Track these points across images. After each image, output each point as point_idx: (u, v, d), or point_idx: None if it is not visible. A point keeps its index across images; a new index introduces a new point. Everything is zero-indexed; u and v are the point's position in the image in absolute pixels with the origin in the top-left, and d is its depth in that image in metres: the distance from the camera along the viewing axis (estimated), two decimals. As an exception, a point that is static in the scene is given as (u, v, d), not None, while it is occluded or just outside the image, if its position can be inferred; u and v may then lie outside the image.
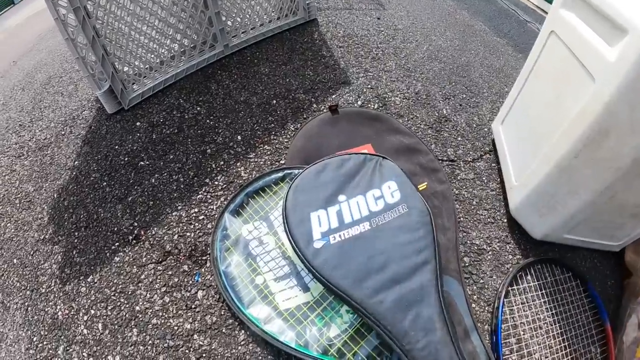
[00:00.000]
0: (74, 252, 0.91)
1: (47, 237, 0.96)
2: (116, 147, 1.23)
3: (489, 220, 0.98)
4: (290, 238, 0.70)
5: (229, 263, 0.78)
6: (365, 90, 1.32)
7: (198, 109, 1.30)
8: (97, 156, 1.22)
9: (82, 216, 1.01)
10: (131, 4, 1.12)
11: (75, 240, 0.93)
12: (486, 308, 0.84)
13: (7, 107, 1.85)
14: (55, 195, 1.13)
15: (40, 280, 0.89)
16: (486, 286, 0.87)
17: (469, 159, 1.11)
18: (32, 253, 0.94)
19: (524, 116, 0.97)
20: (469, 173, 1.06)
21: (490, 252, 0.92)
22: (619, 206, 0.76)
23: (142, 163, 1.14)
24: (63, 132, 1.42)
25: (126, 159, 1.17)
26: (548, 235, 0.88)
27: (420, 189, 0.88)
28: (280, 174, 0.89)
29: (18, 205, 1.14)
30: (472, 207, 0.99)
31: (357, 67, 1.46)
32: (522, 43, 1.98)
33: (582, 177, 0.73)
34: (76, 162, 1.24)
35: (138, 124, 1.31)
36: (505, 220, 0.98)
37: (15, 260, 0.95)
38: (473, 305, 0.84)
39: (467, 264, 0.89)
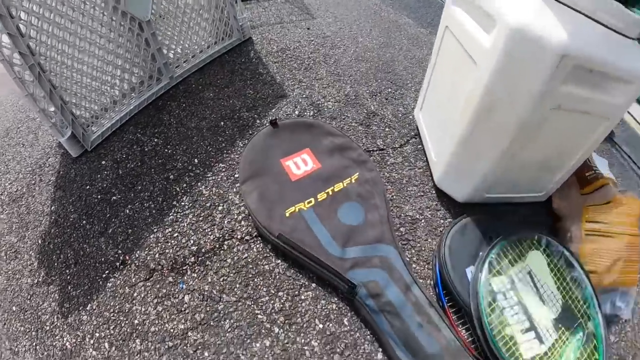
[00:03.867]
0: (69, 287, 1.07)
1: (40, 280, 1.12)
2: (87, 187, 1.39)
3: (419, 194, 1.23)
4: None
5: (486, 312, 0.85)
6: (300, 100, 1.54)
7: (155, 140, 1.47)
8: (72, 198, 1.37)
9: (69, 255, 1.17)
10: (79, 54, 1.28)
11: (68, 277, 1.10)
12: (426, 266, 1.08)
13: None
14: (39, 241, 1.27)
15: (43, 320, 1.05)
16: (423, 249, 1.11)
17: (397, 145, 1.36)
18: (29, 297, 1.10)
19: (435, 102, 1.22)
20: (398, 157, 1.31)
21: (423, 220, 1.16)
22: (523, 164, 0.99)
23: (114, 198, 1.30)
24: (33, 182, 1.54)
25: (99, 196, 1.33)
26: (471, 198, 1.13)
27: (353, 180, 1.12)
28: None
29: (5, 257, 1.28)
30: (403, 185, 1.23)
31: (291, 79, 1.68)
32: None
33: (482, 145, 0.96)
34: (53, 208, 1.38)
35: (103, 162, 1.46)
36: (433, 192, 1.23)
37: (14, 308, 1.10)
38: (414, 265, 1.08)
39: (403, 233, 1.13)
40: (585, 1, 0.72)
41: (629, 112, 1.75)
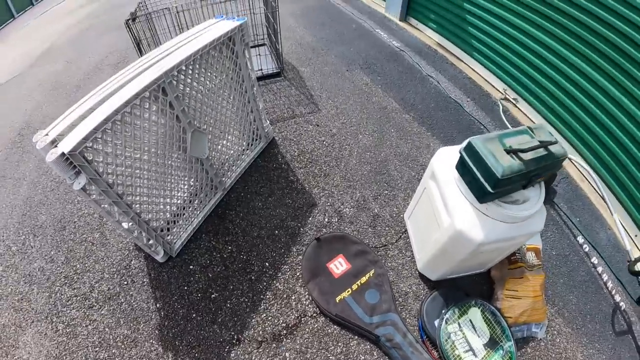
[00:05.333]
0: (204, 360, 2.28)
1: None
2: (185, 287, 2.40)
3: (408, 275, 2.46)
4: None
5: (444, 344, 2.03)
6: (327, 208, 2.79)
7: (230, 248, 2.67)
8: (174, 297, 2.35)
9: (191, 339, 2.18)
10: (164, 193, 2.51)
11: (196, 354, 2.14)
12: (414, 320, 2.32)
13: (27, 254, 2.78)
14: (156, 332, 2.21)
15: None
16: (412, 310, 2.36)
17: (394, 241, 2.61)
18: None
19: (417, 221, 2.46)
20: (395, 250, 2.56)
21: (411, 292, 2.40)
22: (471, 264, 2.24)
23: (213, 295, 2.44)
24: (125, 282, 2.46)
25: (199, 295, 2.39)
26: (440, 278, 2.35)
27: (371, 274, 2.39)
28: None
29: (122, 346, 2.08)
30: (399, 271, 2.47)
31: (316, 187, 2.92)
32: (425, 112, 3.47)
33: (446, 259, 2.16)
34: (158, 305, 2.32)
35: (191, 267, 2.57)
36: (417, 274, 2.46)
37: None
38: (407, 320, 2.33)
39: (401, 302, 2.39)
40: (499, 217, 1.91)
41: (573, 163, 2.91)
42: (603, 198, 2.63)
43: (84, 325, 2.28)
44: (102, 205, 1.89)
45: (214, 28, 2.29)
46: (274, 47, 4.01)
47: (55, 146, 1.64)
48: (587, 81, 2.77)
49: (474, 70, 4.09)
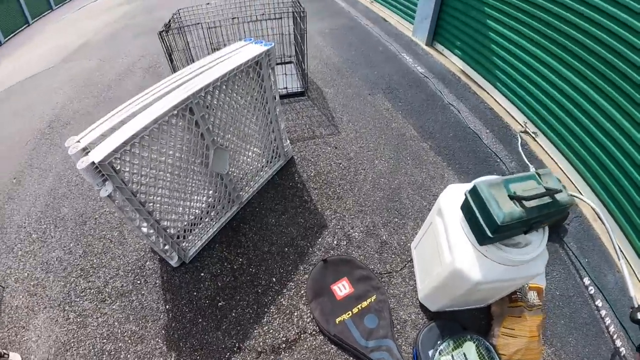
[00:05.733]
0: (206, 363, 2.42)
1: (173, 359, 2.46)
2: (194, 293, 2.65)
3: (409, 304, 2.57)
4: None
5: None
6: (337, 230, 2.92)
7: (240, 260, 2.83)
8: (183, 301, 2.54)
9: (194, 342, 2.37)
10: (183, 204, 2.68)
11: (198, 357, 2.36)
12: (409, 347, 2.43)
13: (46, 243, 3.05)
14: (163, 332, 2.39)
15: (199, 378, 2.41)
16: (409, 337, 2.45)
17: (398, 269, 2.72)
18: (186, 366, 2.46)
19: (423, 252, 2.58)
20: (398, 278, 2.67)
21: (409, 321, 2.50)
22: (470, 299, 2.33)
23: (220, 303, 2.61)
24: (138, 282, 2.68)
25: (207, 302, 2.60)
26: (439, 309, 2.47)
27: (372, 299, 2.50)
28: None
29: (129, 341, 2.33)
30: (400, 299, 2.58)
31: (328, 209, 3.06)
32: (442, 142, 3.58)
33: (446, 292, 2.27)
34: (167, 306, 2.51)
35: (202, 274, 2.77)
36: (417, 303, 2.57)
37: (177, 371, 2.46)
38: (403, 347, 2.43)
39: (399, 329, 2.49)
40: (498, 259, 2.03)
41: (588, 204, 2.93)
42: (611, 240, 2.68)
43: (95, 317, 2.48)
44: (125, 211, 2.06)
45: (243, 51, 2.47)
46: (300, 66, 4.17)
47: (86, 154, 1.83)
48: (607, 120, 2.79)
49: (495, 101, 4.17)
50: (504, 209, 1.64)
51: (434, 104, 4.19)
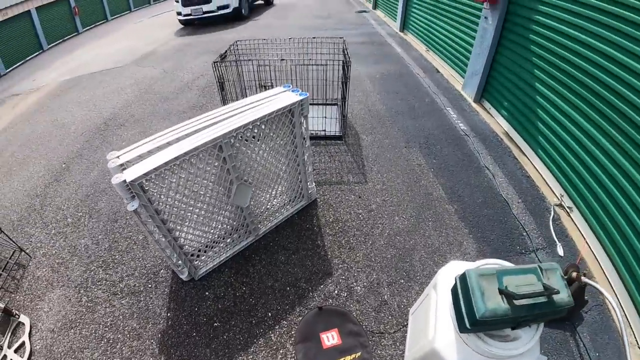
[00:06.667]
0: (190, 381, 2.57)
1: (167, 366, 2.62)
2: (196, 309, 2.83)
3: (398, 368, 2.65)
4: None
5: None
6: (340, 281, 3.02)
7: (244, 289, 2.98)
8: (184, 313, 2.75)
9: (184, 353, 2.50)
10: (198, 225, 2.87)
11: None
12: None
13: (78, 229, 3.46)
14: (159, 335, 2.60)
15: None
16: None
17: (392, 331, 2.76)
18: (170, 381, 2.62)
19: (417, 321, 2.62)
20: (389, 340, 2.70)
21: (395, 386, 2.57)
22: None
23: (216, 324, 2.74)
24: (150, 285, 2.97)
25: (204, 319, 2.75)
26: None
27: (356, 356, 2.58)
28: None
29: (128, 335, 2.59)
30: (389, 362, 2.66)
31: (338, 258, 3.17)
32: (469, 206, 3.60)
33: None
34: (169, 314, 2.74)
35: (207, 294, 2.96)
36: (405, 369, 2.64)
37: (161, 385, 2.62)
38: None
39: (382, 393, 2.55)
40: (478, 349, 2.09)
41: (605, 296, 2.74)
42: (621, 336, 2.54)
43: (104, 306, 2.82)
44: (146, 225, 2.31)
45: (279, 98, 2.68)
46: (342, 111, 4.36)
47: (122, 170, 2.12)
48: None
49: (535, 168, 4.09)
50: (487, 303, 1.64)
51: (469, 165, 4.21)
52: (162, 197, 2.30)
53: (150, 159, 2.17)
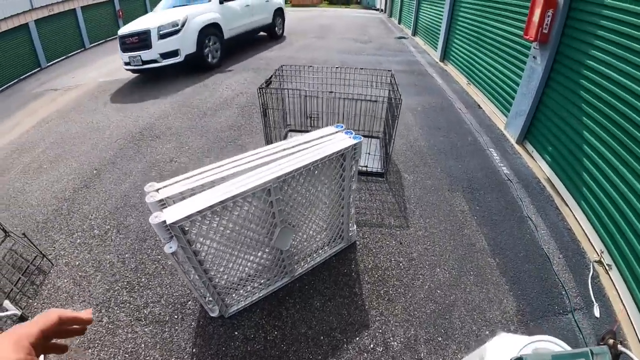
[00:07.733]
0: None
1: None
2: (223, 348, 2.70)
3: None
4: None
5: None
6: (377, 334, 2.88)
7: (275, 333, 2.86)
8: (210, 351, 2.62)
9: None
10: (238, 267, 2.78)
11: None
12: None
13: (105, 244, 3.35)
14: None
15: None
16: None
17: (430, 399, 2.64)
18: None
19: None
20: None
21: None
22: None
23: None
24: (176, 316, 2.89)
25: None
26: None
27: None
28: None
29: None
30: None
31: (375, 309, 3.04)
32: (511, 261, 3.45)
33: None
34: (194, 350, 2.63)
35: (236, 333, 2.84)
36: None
37: None
38: None
39: None
40: None
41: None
42: None
43: (126, 331, 2.68)
44: (182, 265, 2.23)
45: (332, 139, 2.64)
46: (386, 148, 4.26)
47: (162, 205, 2.11)
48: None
49: (576, 219, 3.92)
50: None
51: (512, 214, 4.06)
52: (201, 238, 2.22)
53: (193, 199, 2.10)
